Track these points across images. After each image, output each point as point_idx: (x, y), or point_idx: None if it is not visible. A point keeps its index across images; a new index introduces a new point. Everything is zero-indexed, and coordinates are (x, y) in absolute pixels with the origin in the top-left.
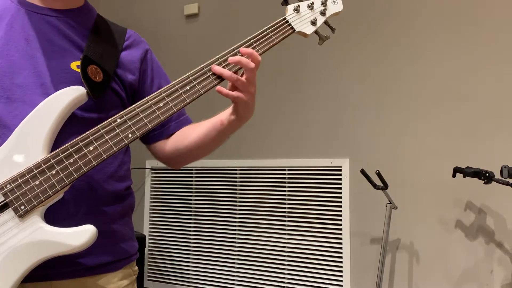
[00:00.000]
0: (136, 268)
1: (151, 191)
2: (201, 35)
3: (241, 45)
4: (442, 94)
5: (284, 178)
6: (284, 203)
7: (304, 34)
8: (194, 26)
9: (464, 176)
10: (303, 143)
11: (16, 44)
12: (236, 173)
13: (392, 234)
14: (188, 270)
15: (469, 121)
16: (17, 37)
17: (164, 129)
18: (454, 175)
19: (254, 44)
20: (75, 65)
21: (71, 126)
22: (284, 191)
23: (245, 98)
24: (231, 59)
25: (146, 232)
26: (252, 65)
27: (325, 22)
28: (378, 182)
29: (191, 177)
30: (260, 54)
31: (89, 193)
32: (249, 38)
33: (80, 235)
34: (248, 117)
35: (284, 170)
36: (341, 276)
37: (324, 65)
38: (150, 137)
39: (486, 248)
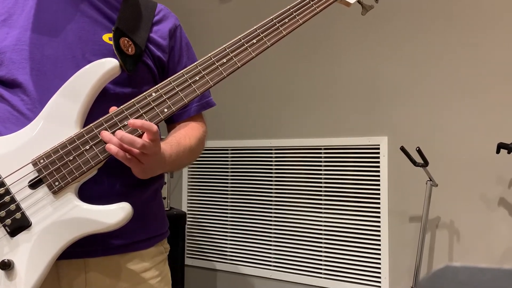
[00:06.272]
0: (167, 245)
1: (189, 170)
2: (235, 18)
3: (280, 15)
4: (485, 68)
5: (320, 157)
6: (321, 183)
7: (346, 3)
8: (228, 8)
9: (508, 152)
10: (339, 122)
11: (46, 16)
12: (271, 153)
13: (432, 212)
14: (226, 248)
15: None
16: (47, 8)
17: (185, 111)
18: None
19: (295, 13)
20: (107, 37)
21: (103, 101)
22: (321, 170)
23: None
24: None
25: (185, 209)
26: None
27: None
28: (418, 160)
29: (227, 157)
30: (300, 24)
31: (122, 171)
32: (289, 7)
33: (116, 213)
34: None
35: (320, 149)
36: (379, 254)
37: (361, 42)
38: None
39: None
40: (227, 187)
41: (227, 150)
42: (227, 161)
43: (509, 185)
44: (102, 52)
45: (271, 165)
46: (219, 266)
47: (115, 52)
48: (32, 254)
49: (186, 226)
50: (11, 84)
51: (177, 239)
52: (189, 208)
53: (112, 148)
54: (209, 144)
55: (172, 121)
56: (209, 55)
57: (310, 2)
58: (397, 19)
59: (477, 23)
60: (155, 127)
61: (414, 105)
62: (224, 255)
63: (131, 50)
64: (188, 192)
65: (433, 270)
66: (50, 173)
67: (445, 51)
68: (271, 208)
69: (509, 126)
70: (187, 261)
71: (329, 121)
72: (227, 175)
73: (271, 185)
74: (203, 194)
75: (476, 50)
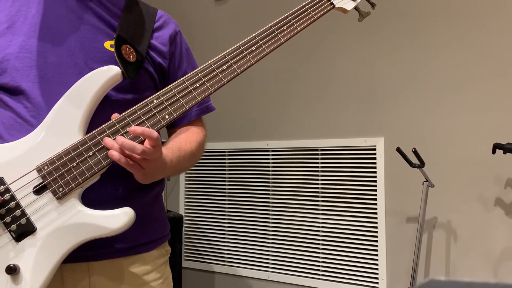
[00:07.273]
0: (169, 248)
1: (186, 172)
2: (231, 19)
3: (279, 22)
4: (480, 69)
5: (317, 158)
6: (318, 184)
7: (344, 10)
8: (224, 9)
9: (504, 153)
10: (336, 123)
11: (49, 23)
12: (268, 155)
13: (429, 213)
14: (223, 250)
15: (509, 95)
16: (49, 16)
17: (185, 116)
18: (494, 152)
19: (293, 21)
20: (108, 44)
21: (105, 108)
22: (317, 171)
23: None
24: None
25: (182, 212)
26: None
27: None
28: (414, 160)
29: (224, 159)
30: (298, 31)
31: (124, 176)
32: (287, 14)
33: (119, 218)
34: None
35: (317, 150)
36: (376, 255)
37: (356, 43)
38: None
39: None
40: (224, 189)
41: (224, 152)
42: (224, 163)
43: (506, 185)
44: (104, 59)
45: (268, 166)
46: (216, 268)
47: (117, 59)
48: (37, 258)
49: (184, 228)
50: (14, 91)
51: (175, 242)
52: (186, 211)
53: (115, 154)
54: (206, 146)
55: (172, 126)
56: (209, 62)
57: (307, 10)
58: (392, 20)
59: (474, 22)
60: (155, 134)
61: (410, 105)
62: (221, 257)
63: (132, 57)
64: (185, 195)
65: (417, 285)
66: (54, 179)
67: (441, 51)
68: (268, 210)
69: (504, 127)
70: (185, 264)
71: (326, 122)
72: (224, 177)
73: (268, 186)
74: (200, 196)
75: (472, 50)
